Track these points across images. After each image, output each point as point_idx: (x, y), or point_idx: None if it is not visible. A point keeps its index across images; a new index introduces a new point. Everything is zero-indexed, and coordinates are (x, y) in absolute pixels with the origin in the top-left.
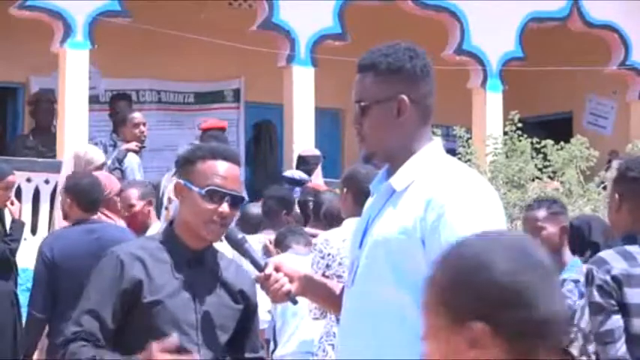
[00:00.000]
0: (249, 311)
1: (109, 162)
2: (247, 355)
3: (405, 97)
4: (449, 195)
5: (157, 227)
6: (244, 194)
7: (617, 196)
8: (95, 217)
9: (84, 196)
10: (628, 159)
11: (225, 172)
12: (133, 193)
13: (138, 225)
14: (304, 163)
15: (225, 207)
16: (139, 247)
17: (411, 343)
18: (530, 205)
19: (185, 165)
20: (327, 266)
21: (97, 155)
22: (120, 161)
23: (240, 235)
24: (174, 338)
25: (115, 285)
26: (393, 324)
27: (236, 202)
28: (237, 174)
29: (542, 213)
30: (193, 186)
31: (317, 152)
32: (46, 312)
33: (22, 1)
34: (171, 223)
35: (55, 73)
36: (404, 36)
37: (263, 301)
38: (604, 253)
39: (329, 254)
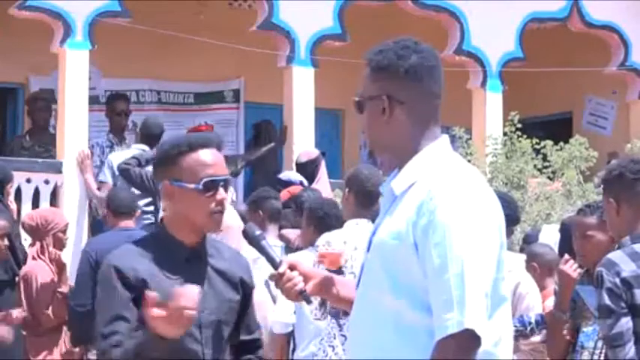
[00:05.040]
0: (246, 297)
1: (131, 159)
2: (243, 337)
3: (385, 97)
4: (440, 198)
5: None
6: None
7: (612, 200)
8: (129, 222)
9: (114, 204)
10: (620, 161)
11: (212, 160)
12: None
13: None
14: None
15: (222, 193)
16: (131, 251)
17: (406, 347)
18: (580, 209)
19: (166, 165)
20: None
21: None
22: (148, 163)
23: (257, 232)
24: (152, 293)
25: (121, 290)
26: (388, 328)
27: (226, 184)
28: (221, 156)
29: (591, 220)
30: (185, 183)
31: (303, 159)
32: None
33: (22, 1)
34: (161, 221)
35: (55, 73)
36: (404, 36)
37: (287, 304)
38: (613, 255)
39: None
